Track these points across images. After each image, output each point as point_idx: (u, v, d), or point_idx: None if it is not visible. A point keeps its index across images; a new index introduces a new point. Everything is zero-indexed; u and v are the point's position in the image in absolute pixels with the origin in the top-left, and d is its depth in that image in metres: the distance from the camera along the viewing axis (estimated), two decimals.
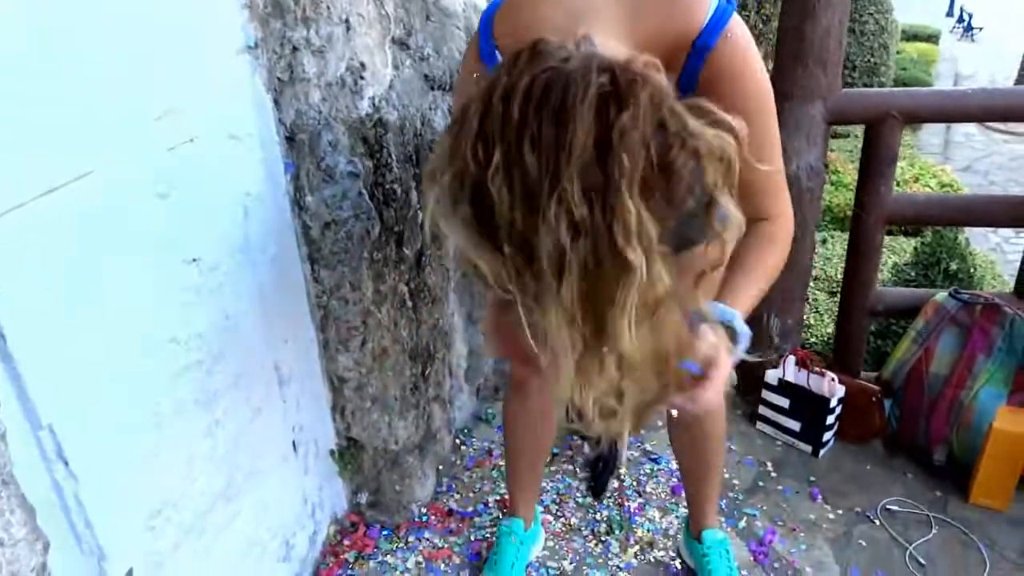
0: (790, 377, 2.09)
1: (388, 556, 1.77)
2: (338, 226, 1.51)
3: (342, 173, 1.48)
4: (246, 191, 1.38)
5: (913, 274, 3.22)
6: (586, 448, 2.11)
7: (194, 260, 1.25)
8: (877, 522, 1.85)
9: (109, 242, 1.03)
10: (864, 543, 1.79)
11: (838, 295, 4.08)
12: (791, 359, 2.09)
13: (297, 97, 1.40)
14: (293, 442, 1.63)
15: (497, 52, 1.05)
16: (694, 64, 0.96)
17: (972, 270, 3.22)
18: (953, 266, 3.17)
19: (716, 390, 0.86)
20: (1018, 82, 8.41)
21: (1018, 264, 2.09)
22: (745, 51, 0.98)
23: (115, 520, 1.08)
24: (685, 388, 0.81)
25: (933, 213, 2.06)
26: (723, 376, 0.87)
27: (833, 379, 2.03)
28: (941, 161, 7.88)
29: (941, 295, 2.00)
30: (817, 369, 2.06)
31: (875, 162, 1.95)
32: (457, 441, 2.16)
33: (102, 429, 1.05)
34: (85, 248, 0.99)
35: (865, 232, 2.01)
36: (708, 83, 0.97)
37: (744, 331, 0.98)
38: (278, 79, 1.38)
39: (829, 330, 3.21)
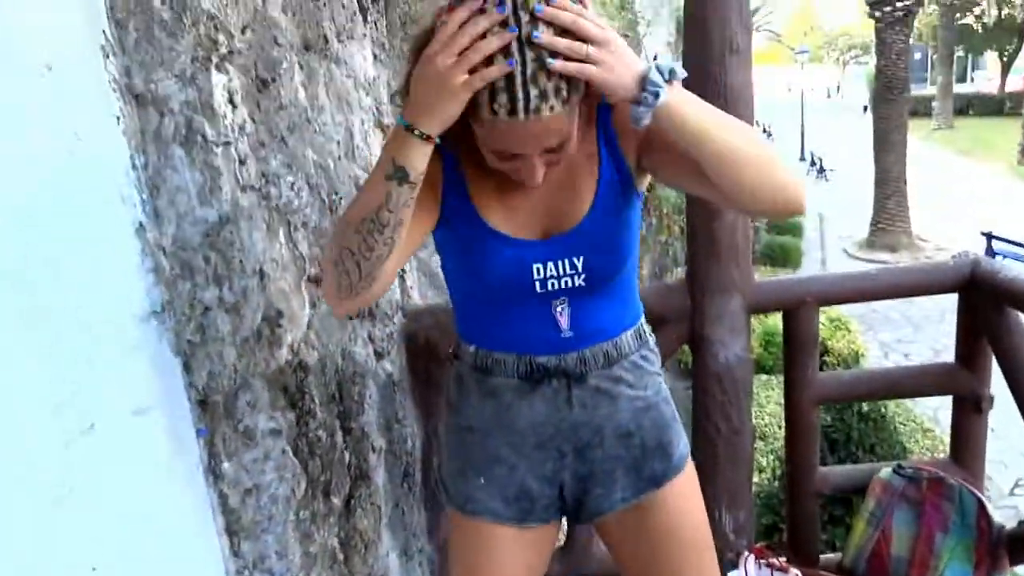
0: None
1: None
2: (260, 491, 1.35)
3: (263, 432, 1.33)
4: (153, 469, 1.21)
5: None
6: None
7: (93, 569, 1.06)
8: None
9: None
10: None
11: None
12: (750, 558, 1.99)
13: (210, 357, 1.27)
14: None
15: None
16: None
17: None
18: None
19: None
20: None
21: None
22: None
23: None
24: None
25: (862, 391, 2.08)
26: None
27: (797, 574, 1.93)
28: None
29: (885, 472, 1.98)
30: (778, 564, 1.96)
31: (797, 346, 1.97)
32: None
33: None
34: None
35: (800, 415, 1.99)
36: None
37: (679, 73, 0.96)
38: (188, 341, 1.25)
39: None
